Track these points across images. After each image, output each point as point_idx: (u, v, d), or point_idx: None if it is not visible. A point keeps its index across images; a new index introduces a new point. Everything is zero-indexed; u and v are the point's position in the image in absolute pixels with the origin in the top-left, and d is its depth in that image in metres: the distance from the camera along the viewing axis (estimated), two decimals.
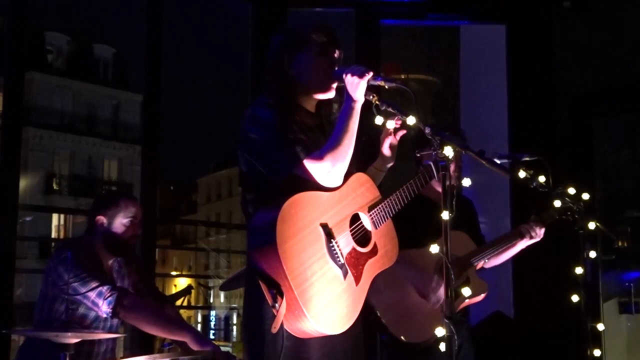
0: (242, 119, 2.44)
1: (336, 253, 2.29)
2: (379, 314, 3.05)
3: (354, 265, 2.35)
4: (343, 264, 2.31)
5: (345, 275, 2.31)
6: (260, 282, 2.21)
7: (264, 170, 2.36)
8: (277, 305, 2.16)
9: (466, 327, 3.33)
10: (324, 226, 2.29)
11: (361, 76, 2.29)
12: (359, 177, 2.48)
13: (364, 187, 2.49)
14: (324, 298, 2.22)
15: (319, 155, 2.30)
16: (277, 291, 2.16)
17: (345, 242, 2.34)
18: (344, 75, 2.34)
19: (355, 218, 2.42)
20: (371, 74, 2.31)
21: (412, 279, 3.12)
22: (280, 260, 2.14)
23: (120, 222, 3.10)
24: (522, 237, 3.20)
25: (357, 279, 2.35)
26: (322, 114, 2.53)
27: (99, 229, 3.10)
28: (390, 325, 3.07)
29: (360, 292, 2.36)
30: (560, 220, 3.10)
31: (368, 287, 2.40)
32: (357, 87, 2.30)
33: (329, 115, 2.55)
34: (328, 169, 2.30)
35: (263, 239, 2.22)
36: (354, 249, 2.37)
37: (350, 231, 2.38)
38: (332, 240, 2.29)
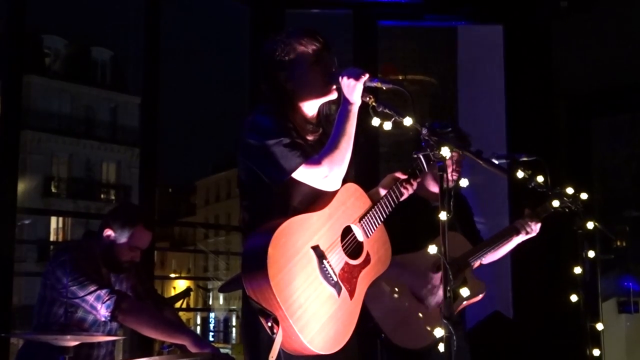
0: (241, 127, 2.42)
1: (328, 273, 2.29)
2: (377, 322, 3.04)
3: (347, 279, 2.35)
4: (336, 282, 2.31)
5: (339, 292, 2.31)
6: (256, 311, 2.20)
7: (263, 175, 2.35)
8: (275, 334, 2.15)
9: (462, 328, 3.32)
10: (315, 248, 2.28)
11: (357, 78, 2.29)
12: (348, 188, 2.44)
13: (353, 197, 2.46)
14: (319, 320, 2.23)
15: (317, 160, 2.30)
16: (273, 320, 2.16)
17: (337, 259, 2.34)
18: (340, 78, 2.33)
19: (347, 230, 2.41)
20: (367, 76, 2.30)
21: (409, 283, 3.11)
22: (274, 292, 2.14)
23: (126, 245, 3.06)
24: (517, 232, 3.15)
25: (352, 293, 2.35)
26: (322, 118, 2.51)
27: (104, 240, 3.07)
28: (389, 332, 3.06)
29: (354, 305, 2.37)
30: (556, 215, 3.07)
31: (363, 297, 2.40)
32: (354, 89, 2.30)
33: (327, 117, 2.52)
34: (325, 173, 2.29)
35: (255, 270, 2.20)
36: (346, 263, 2.36)
37: (342, 246, 2.37)
38: (324, 260, 2.29)
